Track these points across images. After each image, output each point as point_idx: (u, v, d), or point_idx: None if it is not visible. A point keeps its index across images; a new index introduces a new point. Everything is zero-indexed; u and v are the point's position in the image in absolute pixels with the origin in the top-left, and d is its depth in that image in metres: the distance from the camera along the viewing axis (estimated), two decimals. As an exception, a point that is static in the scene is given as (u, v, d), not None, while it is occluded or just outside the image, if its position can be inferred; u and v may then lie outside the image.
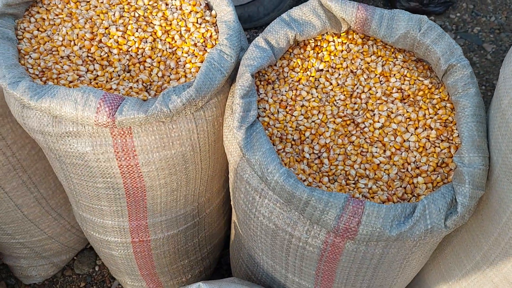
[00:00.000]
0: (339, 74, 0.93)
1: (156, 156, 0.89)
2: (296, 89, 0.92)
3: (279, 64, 0.94)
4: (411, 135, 0.85)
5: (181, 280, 1.31)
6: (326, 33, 0.96)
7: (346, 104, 0.90)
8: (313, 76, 0.93)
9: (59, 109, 0.80)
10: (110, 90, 0.88)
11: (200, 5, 0.98)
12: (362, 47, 0.95)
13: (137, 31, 0.94)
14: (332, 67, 0.94)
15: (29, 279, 1.50)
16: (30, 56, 0.91)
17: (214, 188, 1.13)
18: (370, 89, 0.91)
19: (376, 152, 0.85)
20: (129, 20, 0.96)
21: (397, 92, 0.90)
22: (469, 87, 0.81)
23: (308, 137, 0.87)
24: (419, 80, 0.91)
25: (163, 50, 0.93)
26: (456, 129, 0.84)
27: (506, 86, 0.70)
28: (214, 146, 0.96)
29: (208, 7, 1.00)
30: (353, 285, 0.89)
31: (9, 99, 0.90)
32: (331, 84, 0.93)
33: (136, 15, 0.97)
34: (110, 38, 0.93)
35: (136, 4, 0.98)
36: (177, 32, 0.95)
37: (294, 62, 0.94)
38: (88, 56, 0.92)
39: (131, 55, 0.93)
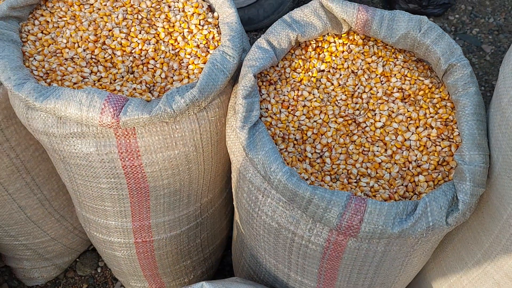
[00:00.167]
0: (340, 75, 0.94)
1: (159, 156, 0.90)
2: (298, 90, 0.93)
3: (281, 65, 0.95)
4: (412, 134, 0.86)
5: (183, 280, 1.32)
6: (327, 34, 0.97)
7: (348, 104, 0.91)
8: (314, 77, 0.94)
9: (64, 110, 0.81)
10: (114, 91, 0.89)
11: (203, 7, 0.99)
12: (363, 48, 0.96)
13: (140, 33, 0.95)
14: (333, 67, 0.95)
15: (32, 281, 1.50)
16: (34, 58, 0.92)
17: (217, 189, 1.13)
18: (371, 89, 0.92)
19: (377, 151, 0.86)
20: (133, 22, 0.97)
21: (398, 92, 0.91)
22: (469, 86, 0.82)
23: (310, 137, 0.88)
24: (420, 80, 0.92)
25: (166, 52, 0.94)
26: (457, 128, 0.85)
27: (506, 85, 0.71)
28: (217, 146, 0.97)
29: (211, 9, 1.01)
30: (356, 283, 0.90)
31: (14, 101, 0.91)
32: (332, 84, 0.94)
33: (139, 17, 0.98)
34: (113, 40, 0.94)
35: (139, 6, 1.00)
36: (180, 34, 0.96)
37: (295, 63, 0.95)
38: (92, 58, 0.93)
39: (135, 57, 0.94)
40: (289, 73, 0.95)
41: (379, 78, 0.93)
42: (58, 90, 0.83)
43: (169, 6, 1.00)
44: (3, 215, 1.21)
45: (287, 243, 0.86)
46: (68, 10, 0.99)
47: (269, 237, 0.89)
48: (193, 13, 0.98)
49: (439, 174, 0.81)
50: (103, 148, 0.87)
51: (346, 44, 0.97)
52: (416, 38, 0.88)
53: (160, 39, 0.96)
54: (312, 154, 0.87)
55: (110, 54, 0.93)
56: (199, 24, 0.97)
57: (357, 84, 0.93)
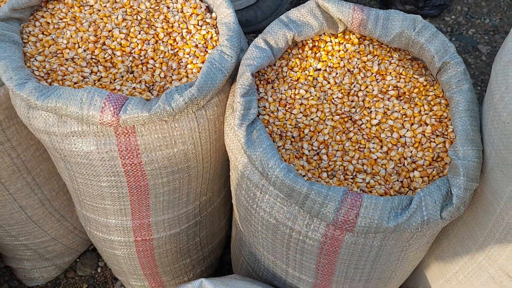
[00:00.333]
0: (337, 73, 0.96)
1: (159, 154, 0.91)
2: (295, 88, 0.94)
3: (278, 64, 0.97)
4: (407, 131, 0.88)
5: (183, 279, 1.33)
6: (324, 33, 0.99)
7: (344, 102, 0.93)
8: (311, 76, 0.96)
9: (65, 108, 0.82)
10: (114, 90, 0.90)
11: (201, 7, 1.01)
12: (359, 47, 0.97)
13: (139, 34, 0.97)
14: (329, 66, 0.97)
15: (32, 281, 1.51)
16: (35, 59, 0.93)
17: (215, 187, 1.15)
18: (366, 87, 0.94)
19: (373, 148, 0.87)
20: (132, 23, 0.98)
21: (393, 89, 0.93)
22: (463, 83, 0.84)
23: (307, 134, 0.90)
24: (414, 78, 0.93)
25: (165, 52, 0.96)
26: (451, 125, 0.86)
27: (497, 81, 0.73)
28: (216, 145, 0.99)
29: (209, 9, 1.02)
30: (353, 278, 0.91)
31: (15, 100, 0.92)
32: (329, 83, 0.95)
33: (139, 18, 0.99)
34: (113, 41, 0.96)
35: (139, 7, 1.01)
36: (179, 34, 0.98)
37: (292, 62, 0.97)
38: (92, 58, 0.95)
39: (134, 57, 0.95)
40: (286, 72, 0.96)
41: (375, 76, 0.95)
42: (59, 89, 0.84)
43: (168, 7, 1.01)
44: (4, 215, 1.22)
45: (285, 239, 0.87)
46: (69, 11, 1.01)
47: (267, 234, 0.90)
48: (192, 14, 1.00)
49: (433, 170, 0.83)
50: (103, 146, 0.88)
51: (342, 43, 0.98)
52: (410, 37, 0.90)
53: (159, 39, 0.97)
54: (309, 151, 0.88)
55: (110, 54, 0.95)
56: (198, 25, 0.99)
57: (353, 83, 0.95)
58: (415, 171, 0.83)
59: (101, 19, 0.99)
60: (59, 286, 1.54)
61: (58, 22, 0.99)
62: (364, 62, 0.97)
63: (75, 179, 0.99)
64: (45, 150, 1.17)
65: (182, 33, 0.98)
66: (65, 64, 0.93)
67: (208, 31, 0.97)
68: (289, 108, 0.92)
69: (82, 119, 0.83)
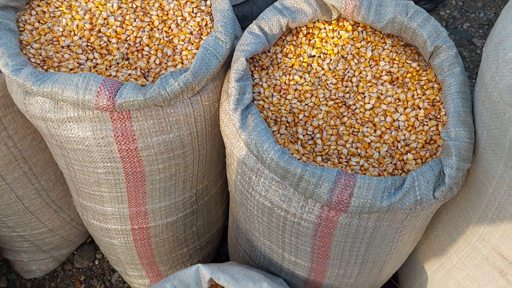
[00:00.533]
0: (331, 60, 0.97)
1: (154, 140, 0.92)
2: (290, 74, 0.95)
3: (273, 51, 0.98)
4: (400, 115, 0.88)
5: (180, 269, 1.33)
6: (318, 20, 1.00)
7: (338, 87, 0.94)
8: (305, 62, 0.97)
9: (61, 93, 0.83)
10: (109, 77, 0.91)
11: (196, -5, 1.01)
12: (352, 34, 0.98)
13: (134, 21, 0.98)
14: (323, 53, 0.98)
15: (30, 273, 1.51)
16: (31, 47, 0.94)
17: (212, 176, 1.15)
18: (360, 72, 0.95)
19: (367, 132, 0.88)
20: (127, 10, 0.99)
21: (387, 75, 0.94)
22: (455, 67, 0.85)
23: (301, 119, 0.90)
24: (407, 63, 0.94)
25: (160, 39, 0.97)
26: (443, 108, 0.87)
27: (488, 62, 0.74)
28: (211, 131, 0.99)
29: (203, -3, 1.03)
30: (348, 261, 0.92)
31: (12, 87, 0.93)
32: (323, 69, 0.96)
33: (134, 6, 1.00)
34: (108, 28, 0.97)
35: (134, -5, 1.02)
36: (174, 21, 0.99)
37: (287, 48, 0.98)
38: (87, 46, 0.95)
39: (129, 44, 0.96)
40: (280, 59, 0.97)
41: (368, 62, 0.96)
42: (55, 75, 0.85)
43: (163, -5, 1.02)
44: (1, 205, 1.23)
45: (280, 222, 0.88)
46: (64, 0, 1.01)
47: (263, 217, 0.91)
48: (186, 2, 1.00)
49: (426, 152, 0.84)
50: (99, 132, 0.89)
51: (336, 30, 0.99)
52: (403, 22, 0.91)
53: (154, 27, 0.98)
54: (303, 135, 0.89)
55: (105, 42, 0.96)
56: (192, 12, 0.99)
57: (347, 68, 0.96)
58: (408, 153, 0.84)
59: (97, 7, 0.99)
60: (57, 278, 1.54)
61: (54, 10, 1.00)
62: (358, 48, 0.97)
63: (71, 166, 1.00)
64: (42, 140, 1.17)
65: (177, 21, 0.99)
66: (61, 52, 0.94)
67: (203, 18, 0.98)
68: (283, 93, 0.93)
69: (78, 104, 0.84)
